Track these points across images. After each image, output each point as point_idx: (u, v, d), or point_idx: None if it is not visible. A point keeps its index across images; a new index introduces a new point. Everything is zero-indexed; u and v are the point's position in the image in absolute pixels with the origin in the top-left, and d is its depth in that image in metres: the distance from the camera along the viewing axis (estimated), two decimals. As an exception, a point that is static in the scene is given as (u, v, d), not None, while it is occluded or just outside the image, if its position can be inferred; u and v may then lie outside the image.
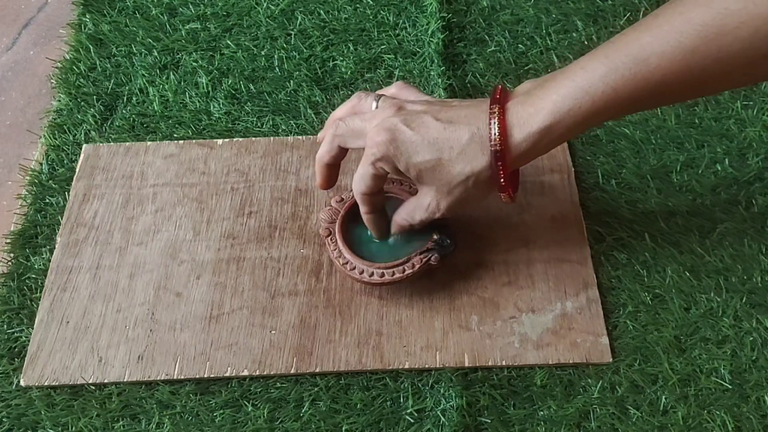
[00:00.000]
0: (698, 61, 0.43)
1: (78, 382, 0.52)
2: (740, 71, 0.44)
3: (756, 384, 0.51)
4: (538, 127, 0.46)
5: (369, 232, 0.55)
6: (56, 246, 0.59)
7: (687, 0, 0.43)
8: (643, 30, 0.45)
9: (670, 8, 0.44)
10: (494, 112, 0.46)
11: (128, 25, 0.73)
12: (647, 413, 0.50)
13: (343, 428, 0.50)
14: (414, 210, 0.51)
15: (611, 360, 0.52)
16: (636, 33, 0.45)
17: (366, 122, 0.49)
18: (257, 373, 0.52)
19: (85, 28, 0.74)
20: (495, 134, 0.46)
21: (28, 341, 0.54)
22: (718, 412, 0.50)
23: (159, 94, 0.68)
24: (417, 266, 0.53)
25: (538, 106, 0.46)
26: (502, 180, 0.47)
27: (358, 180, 0.50)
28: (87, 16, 0.75)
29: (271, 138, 0.65)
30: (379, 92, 0.53)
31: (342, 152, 0.52)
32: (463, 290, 0.56)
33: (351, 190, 0.57)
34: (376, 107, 0.50)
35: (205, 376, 0.52)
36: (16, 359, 0.54)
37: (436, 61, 0.68)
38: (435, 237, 0.53)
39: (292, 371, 0.52)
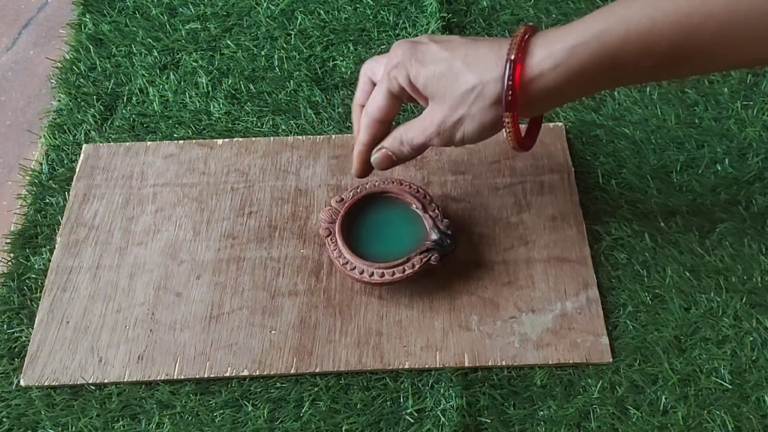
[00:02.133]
0: (742, 10, 0.40)
1: (78, 382, 0.52)
2: None
3: (756, 384, 0.51)
4: (563, 46, 0.42)
5: (369, 233, 0.55)
6: (56, 246, 0.59)
7: None
8: None
9: None
10: (520, 31, 0.43)
11: (128, 25, 0.73)
12: (647, 413, 0.50)
13: (343, 428, 0.50)
14: (410, 125, 0.47)
15: (611, 360, 0.52)
16: None
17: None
18: (257, 373, 0.52)
19: (85, 28, 0.74)
20: (513, 46, 0.42)
21: (28, 341, 0.54)
22: (718, 412, 0.50)
23: (159, 94, 0.68)
24: (417, 266, 0.53)
25: (568, 29, 0.43)
26: (510, 94, 0.42)
27: (370, 100, 0.48)
28: (87, 16, 0.75)
29: (271, 138, 0.65)
30: None
31: (373, 88, 0.49)
32: (463, 290, 0.56)
33: (351, 190, 0.57)
34: None
35: (205, 376, 0.52)
36: (16, 359, 0.54)
37: (436, 61, 0.68)
38: (435, 237, 0.53)
39: (292, 371, 0.52)
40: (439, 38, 0.46)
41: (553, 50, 0.42)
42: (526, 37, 0.43)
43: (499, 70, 0.43)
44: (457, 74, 0.44)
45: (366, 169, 0.51)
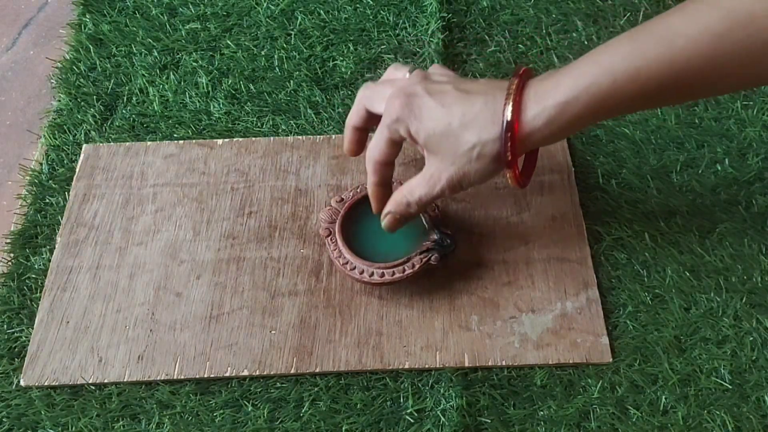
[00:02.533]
0: (725, 46, 0.41)
1: (78, 382, 0.52)
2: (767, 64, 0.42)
3: (756, 384, 0.51)
4: (554, 102, 0.44)
5: (369, 233, 0.55)
6: (56, 246, 0.59)
7: None
8: (671, 14, 0.43)
9: None
10: (513, 85, 0.45)
11: (128, 25, 0.73)
12: (647, 413, 0.50)
13: (343, 428, 0.50)
14: (414, 184, 0.49)
15: (611, 360, 0.52)
16: (664, 17, 0.43)
17: (393, 88, 0.48)
18: (257, 373, 0.52)
19: (85, 28, 0.74)
20: (508, 105, 0.44)
21: (28, 341, 0.54)
22: (718, 412, 0.50)
23: (159, 94, 0.68)
24: (417, 266, 0.53)
25: (558, 81, 0.44)
26: (509, 154, 0.45)
27: (372, 145, 0.49)
28: (87, 16, 0.75)
29: (271, 138, 0.65)
30: (417, 67, 0.52)
31: (369, 115, 0.51)
32: (463, 290, 0.56)
33: (351, 190, 0.57)
34: (408, 77, 0.50)
35: (205, 376, 0.52)
36: (16, 359, 0.54)
37: (436, 61, 0.68)
38: (435, 237, 0.53)
39: (292, 371, 0.52)
40: (432, 87, 0.47)
41: (545, 106, 0.44)
42: (519, 89, 0.45)
43: (497, 130, 0.45)
44: (456, 134, 0.46)
45: (383, 206, 0.52)
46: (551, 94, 0.44)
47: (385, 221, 0.52)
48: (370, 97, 0.50)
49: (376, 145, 0.49)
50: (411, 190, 0.49)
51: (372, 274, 0.53)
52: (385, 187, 0.51)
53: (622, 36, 0.44)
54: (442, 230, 0.54)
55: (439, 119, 0.46)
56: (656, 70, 0.43)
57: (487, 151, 0.46)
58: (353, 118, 0.52)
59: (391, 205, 0.51)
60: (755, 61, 0.42)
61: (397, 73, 0.51)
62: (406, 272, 0.53)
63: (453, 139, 0.46)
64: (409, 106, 0.47)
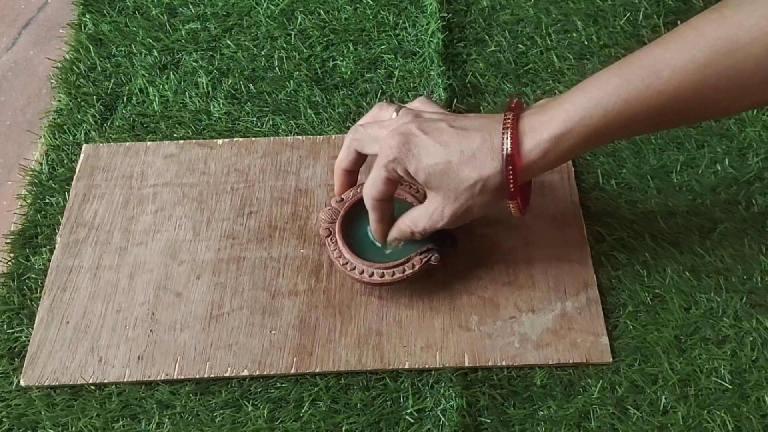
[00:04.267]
0: (711, 75, 0.42)
1: (78, 382, 0.52)
2: (755, 89, 0.44)
3: (756, 384, 0.51)
4: (549, 136, 0.45)
5: (369, 233, 0.55)
6: (56, 246, 0.59)
7: (702, 17, 0.43)
8: (657, 45, 0.44)
9: (685, 25, 0.44)
10: (508, 119, 0.46)
11: (128, 25, 0.73)
12: (647, 413, 0.50)
13: (343, 428, 0.50)
14: (418, 217, 0.51)
15: (611, 360, 0.52)
16: (650, 48, 0.45)
17: (384, 128, 0.49)
18: (257, 373, 0.52)
19: (85, 28, 0.74)
20: (507, 140, 0.46)
21: (28, 341, 0.54)
22: (718, 412, 0.50)
23: (159, 94, 0.68)
24: (417, 266, 0.53)
25: (551, 114, 0.46)
26: (511, 187, 0.46)
27: (369, 184, 0.50)
28: (87, 16, 0.75)
29: (271, 138, 0.65)
30: (402, 105, 0.53)
31: (359, 157, 0.52)
32: (463, 290, 0.56)
33: (350, 190, 0.57)
34: (396, 116, 0.51)
35: (205, 376, 0.52)
36: (16, 359, 0.54)
37: (436, 61, 0.68)
38: (435, 237, 0.53)
39: (292, 371, 0.52)
40: (427, 126, 0.48)
41: (540, 140, 0.46)
42: (515, 123, 0.46)
43: (497, 164, 0.46)
44: (457, 171, 0.47)
45: (386, 237, 0.54)
46: (546, 128, 0.46)
47: (390, 247, 0.54)
48: (360, 140, 0.51)
49: (374, 185, 0.50)
50: (415, 222, 0.51)
51: (372, 275, 0.53)
52: (386, 222, 0.53)
53: (611, 67, 0.45)
54: (443, 230, 0.54)
55: (438, 157, 0.47)
56: (645, 102, 0.44)
57: (490, 185, 0.47)
58: (343, 161, 0.53)
59: (395, 233, 0.53)
60: (742, 87, 0.43)
61: (383, 114, 0.52)
62: (406, 272, 0.53)
63: (454, 176, 0.47)
64: (407, 146, 0.47)
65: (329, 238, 0.55)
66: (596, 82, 0.45)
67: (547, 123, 0.45)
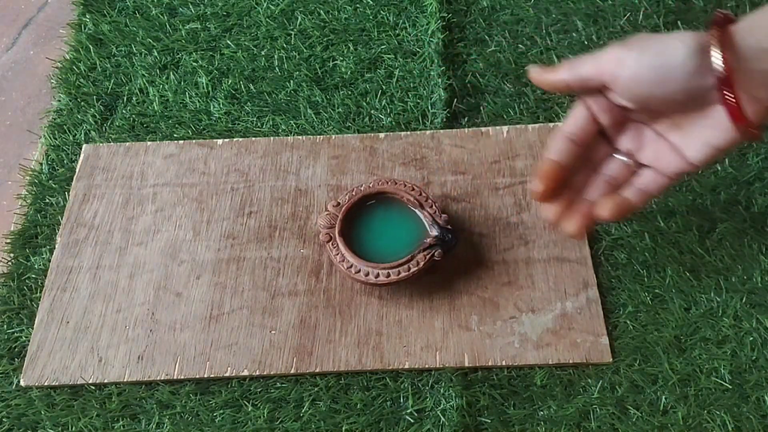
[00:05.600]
0: None
1: (78, 382, 0.52)
2: None
3: (756, 384, 0.51)
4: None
5: (368, 233, 0.55)
6: (56, 246, 0.59)
7: None
8: None
9: None
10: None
11: (128, 25, 0.73)
12: (647, 413, 0.50)
13: (343, 428, 0.50)
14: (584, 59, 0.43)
15: (611, 360, 0.52)
16: None
17: None
18: (257, 373, 0.52)
19: (85, 28, 0.74)
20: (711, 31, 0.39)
21: (28, 341, 0.54)
22: (718, 412, 0.50)
23: (159, 94, 0.68)
24: (422, 263, 0.53)
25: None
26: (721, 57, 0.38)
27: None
28: (87, 16, 0.75)
29: (271, 138, 0.65)
30: None
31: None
32: (463, 290, 0.56)
33: (346, 193, 0.56)
34: None
35: (205, 376, 0.52)
36: (16, 359, 0.54)
37: (436, 61, 0.68)
38: (436, 233, 0.53)
39: (292, 371, 0.52)
40: None
41: (758, 26, 0.39)
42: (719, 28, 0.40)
43: (696, 41, 0.39)
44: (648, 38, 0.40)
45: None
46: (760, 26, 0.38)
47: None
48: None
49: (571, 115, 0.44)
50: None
51: (377, 275, 0.52)
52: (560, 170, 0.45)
53: None
54: (442, 225, 0.54)
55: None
56: None
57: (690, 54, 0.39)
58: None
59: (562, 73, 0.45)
60: None
61: None
62: (411, 270, 0.52)
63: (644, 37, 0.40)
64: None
65: (330, 243, 0.55)
66: None
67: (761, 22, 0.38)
